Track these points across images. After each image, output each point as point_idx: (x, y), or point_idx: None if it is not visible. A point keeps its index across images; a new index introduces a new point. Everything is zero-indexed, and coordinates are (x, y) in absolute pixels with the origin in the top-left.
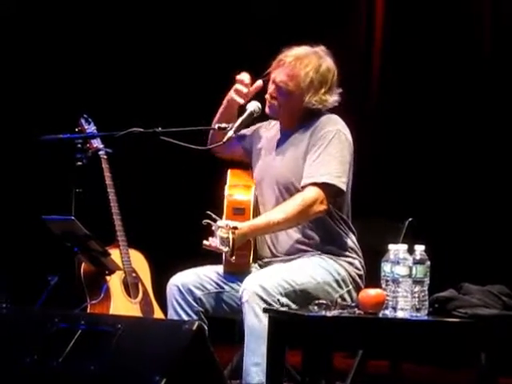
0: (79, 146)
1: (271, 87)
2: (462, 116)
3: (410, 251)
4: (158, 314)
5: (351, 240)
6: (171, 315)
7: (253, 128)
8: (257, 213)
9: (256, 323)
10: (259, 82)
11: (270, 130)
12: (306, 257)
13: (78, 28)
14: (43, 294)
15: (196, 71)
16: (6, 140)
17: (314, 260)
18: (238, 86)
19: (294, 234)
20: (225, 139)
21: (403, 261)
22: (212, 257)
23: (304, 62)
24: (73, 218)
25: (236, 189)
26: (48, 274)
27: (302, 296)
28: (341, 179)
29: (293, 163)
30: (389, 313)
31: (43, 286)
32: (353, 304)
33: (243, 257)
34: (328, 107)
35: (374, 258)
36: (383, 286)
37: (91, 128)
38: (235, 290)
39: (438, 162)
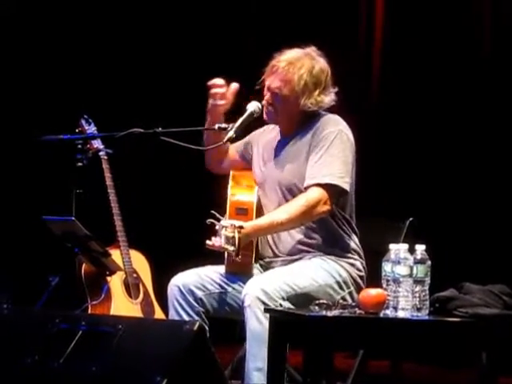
0: (80, 146)
1: (267, 94)
2: (462, 116)
3: (411, 251)
4: (158, 314)
5: (353, 241)
6: (172, 315)
7: (248, 137)
8: (260, 213)
9: (258, 327)
10: (235, 85)
11: (269, 133)
12: (308, 258)
13: (79, 28)
14: (44, 294)
15: (196, 71)
16: (7, 140)
17: (316, 262)
18: (212, 90)
19: (297, 234)
20: (225, 139)
21: (404, 260)
22: (213, 257)
23: (297, 65)
24: (73, 218)
25: (239, 189)
26: (49, 274)
27: (304, 299)
28: (344, 179)
29: (295, 165)
30: (390, 312)
31: (44, 287)
32: (353, 304)
33: (246, 257)
34: (324, 107)
35: (374, 257)
36: (384, 285)
37: (91, 129)
38: (236, 290)
39: (439, 162)
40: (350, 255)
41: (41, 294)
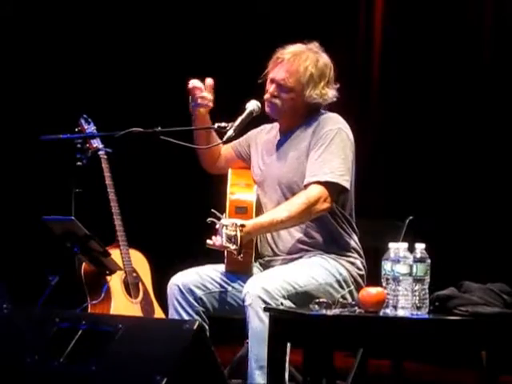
0: (79, 146)
1: (271, 86)
2: (462, 116)
3: (411, 249)
4: (158, 313)
5: (353, 240)
6: (172, 315)
7: (245, 136)
8: (259, 212)
9: (260, 326)
10: (210, 80)
11: (269, 133)
12: (308, 256)
13: (78, 28)
14: (44, 294)
15: (196, 71)
16: (6, 140)
17: (316, 260)
18: (195, 94)
19: (296, 233)
20: (225, 138)
21: (404, 259)
22: (212, 256)
23: (302, 57)
24: (73, 218)
25: (238, 188)
26: (49, 274)
27: (304, 298)
28: (344, 177)
29: (295, 163)
30: (389, 311)
31: (44, 286)
32: (353, 303)
33: (247, 255)
34: (328, 101)
35: (374, 256)
36: (384, 284)
37: (91, 128)
38: (236, 289)
39: (439, 162)
40: (350, 254)
41: (41, 293)
